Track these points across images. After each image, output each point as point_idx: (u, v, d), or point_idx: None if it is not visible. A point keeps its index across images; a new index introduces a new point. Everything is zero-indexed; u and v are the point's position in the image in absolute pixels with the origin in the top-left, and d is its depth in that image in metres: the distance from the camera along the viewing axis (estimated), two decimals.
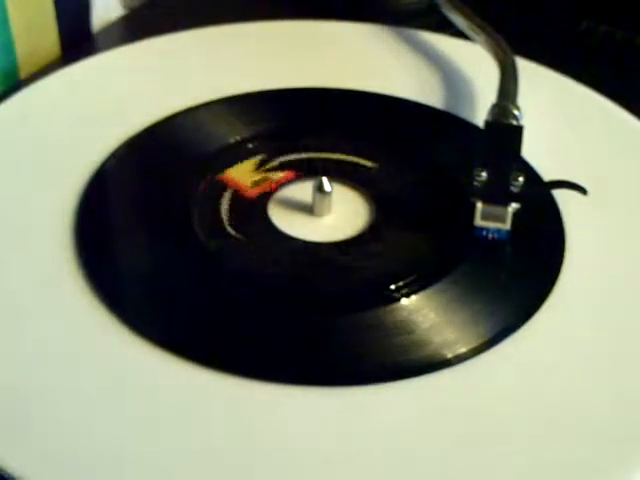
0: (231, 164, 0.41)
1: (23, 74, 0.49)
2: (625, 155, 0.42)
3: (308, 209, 0.39)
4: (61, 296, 0.35)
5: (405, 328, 0.34)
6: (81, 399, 0.31)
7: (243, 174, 0.40)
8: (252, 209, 0.39)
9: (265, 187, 0.39)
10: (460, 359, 0.33)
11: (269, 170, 0.40)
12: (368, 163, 0.41)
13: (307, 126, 0.43)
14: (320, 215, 0.39)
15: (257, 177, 0.40)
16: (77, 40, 0.51)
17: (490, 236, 0.37)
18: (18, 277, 0.35)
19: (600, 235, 0.38)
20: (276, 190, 0.39)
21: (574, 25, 0.53)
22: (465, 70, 0.47)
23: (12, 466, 0.29)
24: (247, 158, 0.41)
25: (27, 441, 0.30)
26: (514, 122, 0.39)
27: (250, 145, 0.42)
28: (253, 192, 0.39)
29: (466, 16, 0.47)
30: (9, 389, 0.31)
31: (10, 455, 0.29)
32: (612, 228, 0.38)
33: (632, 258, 0.37)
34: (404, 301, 0.35)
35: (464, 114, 0.44)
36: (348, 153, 0.42)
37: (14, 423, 0.30)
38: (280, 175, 0.40)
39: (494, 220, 0.36)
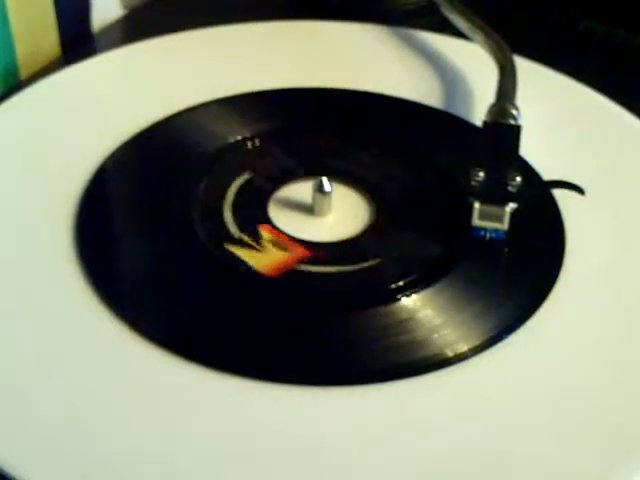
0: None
1: (23, 74, 0.49)
2: (625, 155, 0.42)
3: (308, 209, 0.39)
4: (61, 296, 0.35)
5: (405, 328, 0.34)
6: (81, 399, 0.31)
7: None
8: (252, 209, 0.39)
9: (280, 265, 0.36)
10: (461, 358, 0.33)
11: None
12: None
13: (307, 126, 0.43)
14: (320, 215, 0.39)
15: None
16: (77, 40, 0.51)
17: (488, 236, 0.37)
18: (18, 277, 0.35)
19: (600, 234, 0.38)
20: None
21: (574, 25, 0.53)
22: (464, 70, 0.47)
23: (12, 466, 0.29)
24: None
25: (27, 441, 0.30)
26: (512, 122, 0.39)
27: (250, 145, 0.42)
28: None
29: (465, 16, 0.47)
30: (9, 389, 0.31)
31: (10, 455, 0.29)
32: (612, 227, 0.38)
33: (632, 257, 0.37)
34: (404, 301, 0.35)
35: (463, 114, 0.44)
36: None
37: (14, 423, 0.30)
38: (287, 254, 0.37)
39: (492, 220, 0.36)
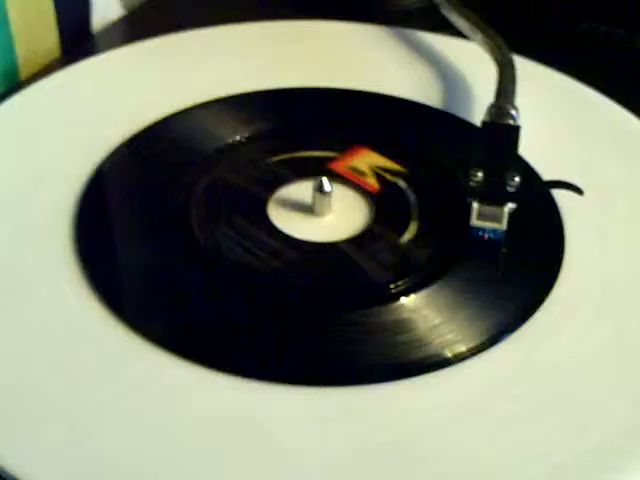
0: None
1: (23, 74, 0.49)
2: (625, 155, 0.42)
3: (308, 209, 0.39)
4: (61, 297, 0.35)
5: (405, 328, 0.34)
6: (81, 399, 0.31)
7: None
8: (252, 209, 0.39)
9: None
10: (460, 358, 0.33)
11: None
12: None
13: (307, 126, 0.43)
14: (320, 215, 0.39)
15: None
16: (77, 40, 0.51)
17: (486, 236, 0.37)
18: (18, 277, 0.35)
19: (600, 235, 0.38)
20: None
21: (574, 25, 0.53)
22: (464, 70, 0.47)
23: (12, 466, 0.29)
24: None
25: (27, 441, 0.30)
26: (511, 122, 0.39)
27: (250, 145, 0.42)
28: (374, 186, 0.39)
29: (465, 16, 0.47)
30: (9, 389, 0.31)
31: (10, 455, 0.29)
32: (612, 228, 0.38)
33: (632, 258, 0.37)
34: (404, 301, 0.35)
35: (463, 114, 0.44)
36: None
37: (14, 423, 0.30)
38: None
39: (490, 220, 0.36)
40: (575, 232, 0.38)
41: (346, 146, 0.42)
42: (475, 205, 0.36)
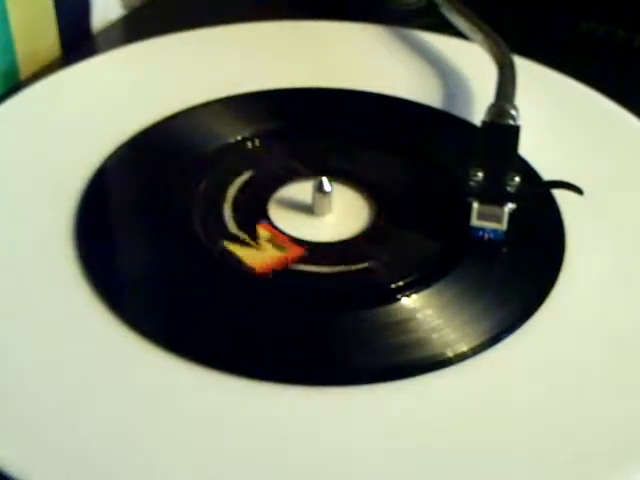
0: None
1: (23, 74, 0.49)
2: (625, 155, 0.42)
3: (308, 209, 0.39)
4: (61, 295, 0.35)
5: (405, 328, 0.34)
6: (81, 399, 0.31)
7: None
8: (252, 209, 0.39)
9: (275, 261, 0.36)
10: (461, 358, 0.33)
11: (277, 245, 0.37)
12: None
13: (307, 126, 0.43)
14: (320, 215, 0.39)
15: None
16: (77, 40, 0.51)
17: (486, 236, 0.37)
18: (18, 277, 0.35)
19: (600, 234, 0.38)
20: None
21: (574, 25, 0.53)
22: (464, 70, 0.47)
23: (12, 466, 0.29)
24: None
25: (27, 441, 0.30)
26: (511, 122, 0.39)
27: (250, 145, 0.42)
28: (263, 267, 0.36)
29: (465, 16, 0.47)
30: (9, 389, 0.31)
31: (10, 455, 0.29)
32: (612, 228, 0.38)
33: (632, 257, 0.37)
34: (404, 301, 0.35)
35: (463, 114, 0.44)
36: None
37: (14, 423, 0.30)
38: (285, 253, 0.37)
39: (490, 220, 0.36)
40: (575, 232, 0.38)
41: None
42: (475, 205, 0.36)
